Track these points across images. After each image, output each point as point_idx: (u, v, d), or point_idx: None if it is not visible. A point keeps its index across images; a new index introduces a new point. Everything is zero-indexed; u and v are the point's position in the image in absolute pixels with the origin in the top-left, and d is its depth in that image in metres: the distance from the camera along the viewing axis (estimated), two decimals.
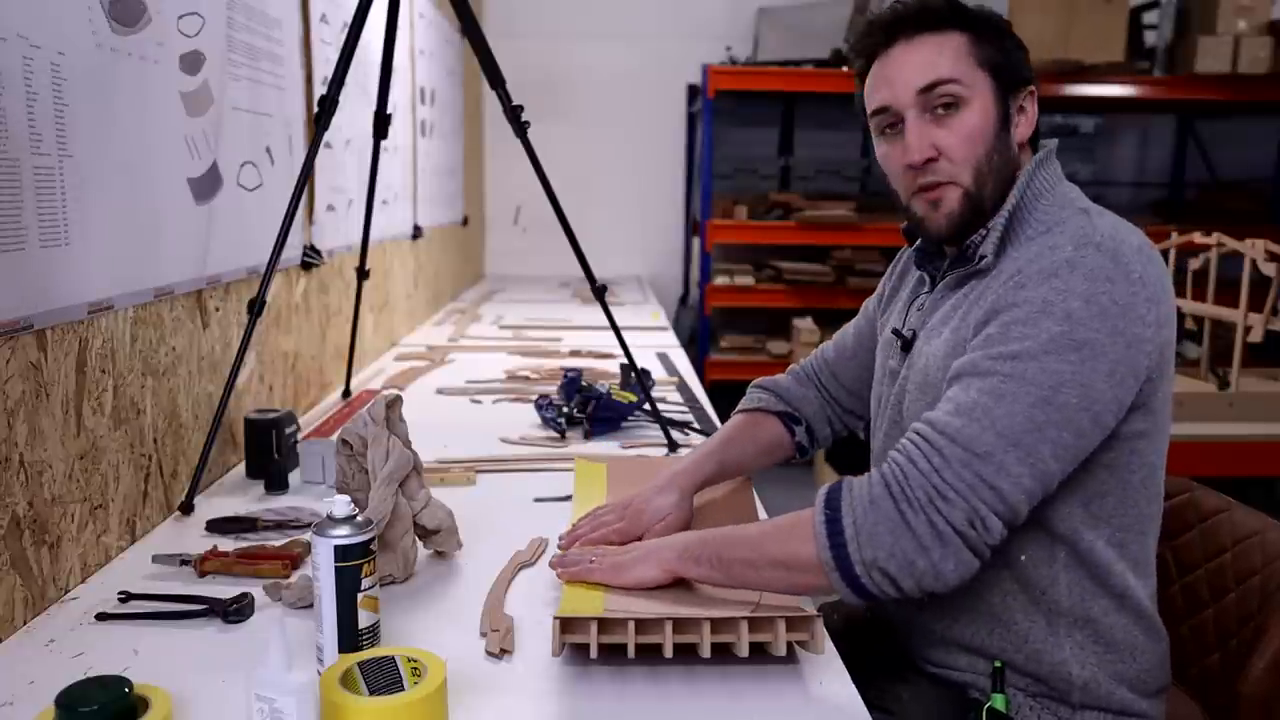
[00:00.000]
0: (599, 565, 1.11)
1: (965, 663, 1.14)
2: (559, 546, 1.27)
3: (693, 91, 4.98)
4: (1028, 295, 1.02)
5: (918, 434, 1.02)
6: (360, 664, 0.89)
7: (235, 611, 1.11)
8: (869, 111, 1.17)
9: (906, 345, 1.21)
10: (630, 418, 1.95)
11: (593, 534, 1.25)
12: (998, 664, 1.08)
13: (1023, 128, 1.14)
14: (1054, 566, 1.08)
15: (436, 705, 0.86)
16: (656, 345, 2.94)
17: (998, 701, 1.08)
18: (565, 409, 1.92)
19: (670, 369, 2.60)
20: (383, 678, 0.88)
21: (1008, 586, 1.11)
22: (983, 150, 1.11)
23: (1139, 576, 1.10)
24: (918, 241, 1.26)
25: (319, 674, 0.96)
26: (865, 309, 1.43)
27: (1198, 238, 3.11)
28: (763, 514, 1.42)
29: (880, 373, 1.29)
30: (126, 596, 1.15)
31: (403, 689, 0.87)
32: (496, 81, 1.76)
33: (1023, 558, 1.09)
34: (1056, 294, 1.00)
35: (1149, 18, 4.68)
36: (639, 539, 1.23)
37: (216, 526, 1.38)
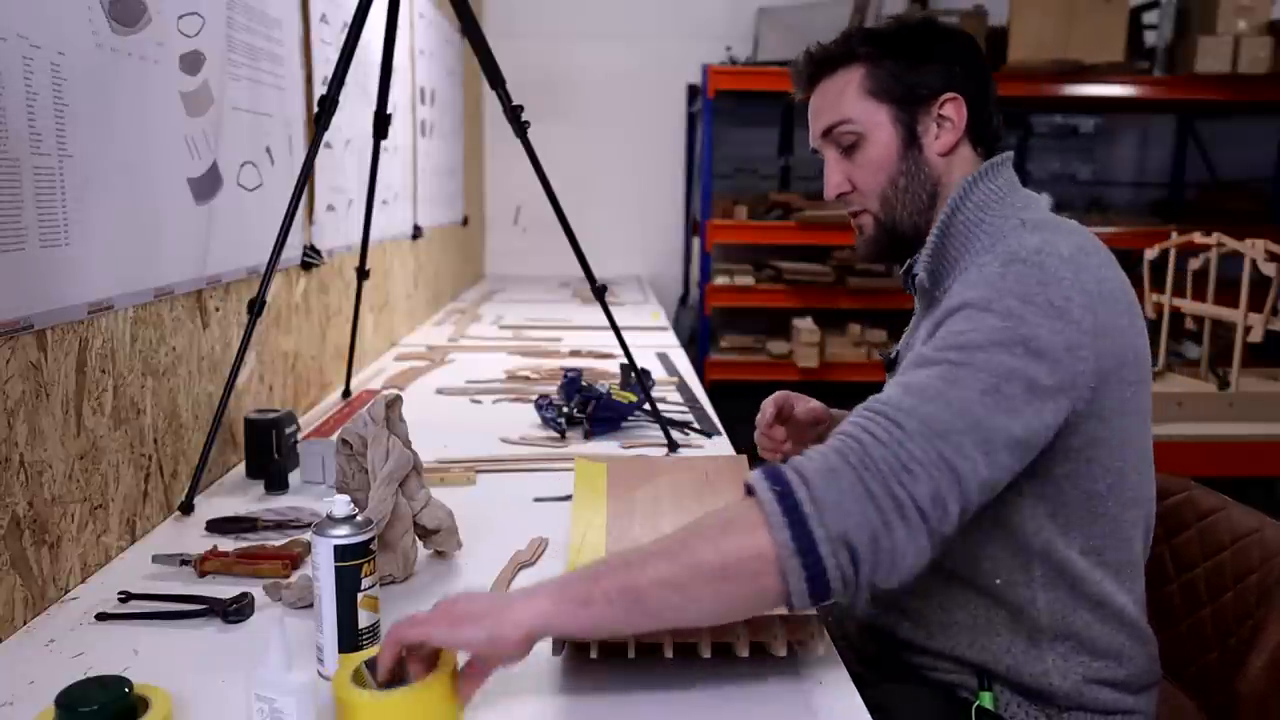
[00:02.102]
0: (428, 616, 0.86)
1: (950, 667, 1.14)
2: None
3: (693, 91, 4.98)
4: (965, 298, 1.02)
5: (870, 410, 0.96)
6: (367, 663, 0.89)
7: (235, 611, 1.11)
8: None
9: (890, 366, 1.25)
10: (630, 418, 1.95)
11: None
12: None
13: (944, 138, 1.14)
14: (1031, 587, 1.07)
15: (448, 694, 0.86)
16: (656, 345, 2.94)
17: (985, 700, 1.08)
18: (565, 409, 1.92)
19: (670, 369, 2.61)
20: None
21: (986, 607, 1.10)
22: (886, 178, 1.16)
23: (1121, 582, 1.09)
24: (907, 263, 1.27)
25: (319, 674, 0.97)
26: None
27: (1198, 238, 3.11)
28: None
29: None
30: (126, 596, 1.15)
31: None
32: (496, 81, 1.76)
33: (998, 581, 1.08)
34: (994, 293, 1.00)
35: (1149, 18, 4.68)
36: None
37: (216, 526, 1.38)
